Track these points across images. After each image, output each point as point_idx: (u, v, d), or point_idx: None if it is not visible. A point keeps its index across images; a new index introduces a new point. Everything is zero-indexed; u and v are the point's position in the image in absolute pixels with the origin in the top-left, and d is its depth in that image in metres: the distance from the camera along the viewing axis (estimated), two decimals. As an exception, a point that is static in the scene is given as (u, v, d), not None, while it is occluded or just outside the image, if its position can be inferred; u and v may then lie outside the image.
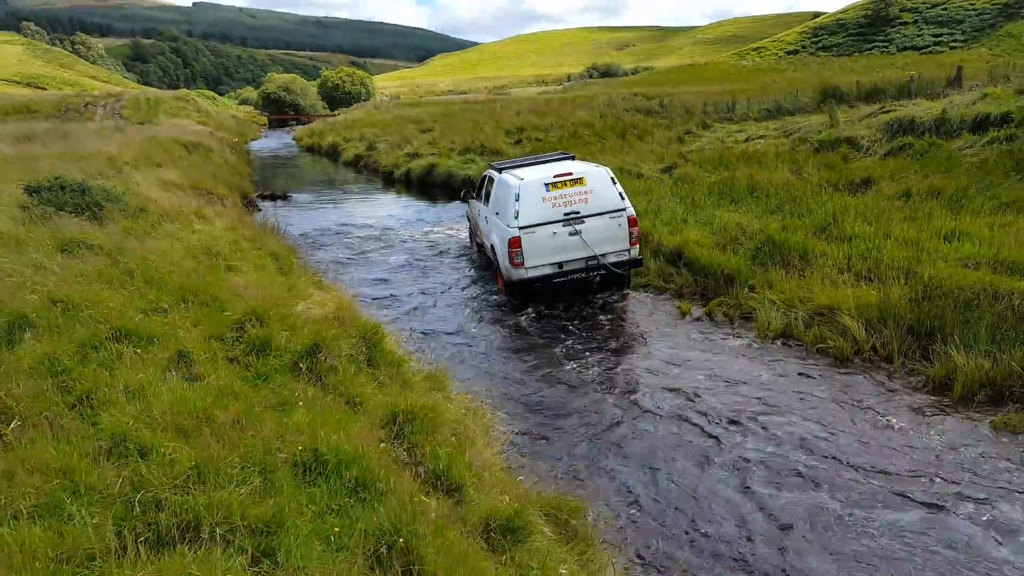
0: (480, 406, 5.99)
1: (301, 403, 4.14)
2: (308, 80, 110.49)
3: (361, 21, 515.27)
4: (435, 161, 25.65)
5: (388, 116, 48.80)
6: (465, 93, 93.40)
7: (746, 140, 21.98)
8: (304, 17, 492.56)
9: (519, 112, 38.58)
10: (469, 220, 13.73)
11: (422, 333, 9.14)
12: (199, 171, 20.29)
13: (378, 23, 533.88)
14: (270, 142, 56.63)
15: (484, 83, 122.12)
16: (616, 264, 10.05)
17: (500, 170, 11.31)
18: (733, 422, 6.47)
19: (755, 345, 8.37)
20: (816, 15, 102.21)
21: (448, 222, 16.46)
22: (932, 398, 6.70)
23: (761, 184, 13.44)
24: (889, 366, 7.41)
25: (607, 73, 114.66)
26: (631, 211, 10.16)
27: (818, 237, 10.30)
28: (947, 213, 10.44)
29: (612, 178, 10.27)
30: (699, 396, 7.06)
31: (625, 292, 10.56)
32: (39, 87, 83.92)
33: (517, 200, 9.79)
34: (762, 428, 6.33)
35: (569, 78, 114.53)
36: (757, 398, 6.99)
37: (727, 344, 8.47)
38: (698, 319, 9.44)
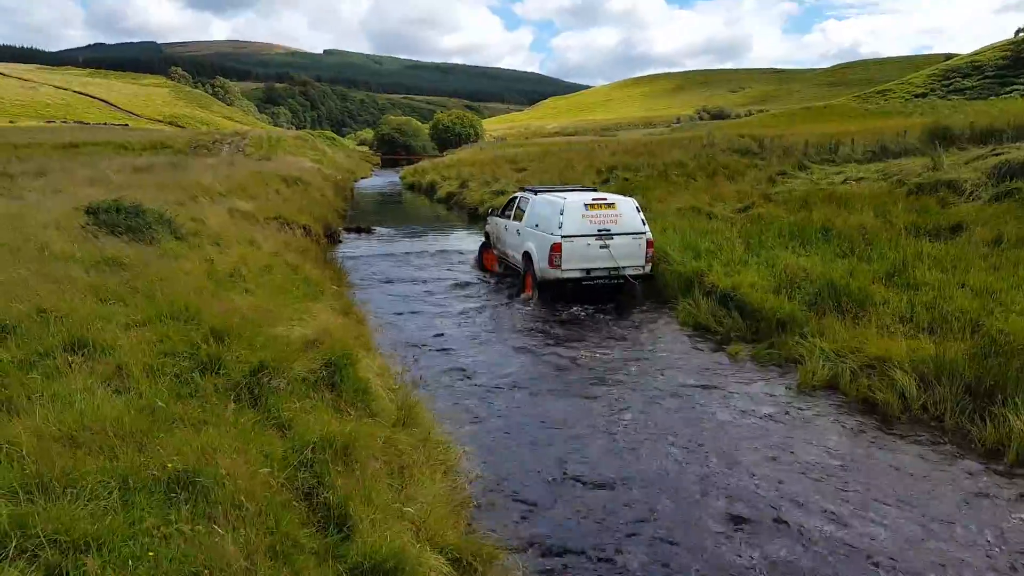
0: (446, 439, 5.68)
1: (215, 422, 4.04)
2: (423, 122, 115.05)
3: (477, 67, 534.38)
4: (518, 198, 25.79)
5: (488, 156, 49.84)
6: (571, 135, 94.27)
7: (843, 182, 20.76)
8: (424, 63, 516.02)
9: (614, 152, 38.39)
10: (488, 235, 15.67)
11: (429, 362, 8.85)
12: (287, 203, 21.16)
13: (493, 68, 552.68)
14: (378, 180, 59.01)
15: (592, 125, 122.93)
16: (633, 276, 11.93)
17: (536, 192, 13.45)
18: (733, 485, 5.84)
19: (793, 396, 7.67)
20: (949, 57, 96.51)
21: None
22: (980, 464, 5.83)
23: (837, 227, 12.53)
24: (939, 426, 6.57)
25: (718, 115, 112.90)
26: (649, 235, 12.12)
27: (884, 284, 9.43)
28: (1037, 262, 9.28)
29: (637, 207, 12.23)
30: (698, 453, 6.44)
31: (636, 295, 12.01)
32: (179, 125, 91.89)
33: (562, 214, 11.65)
34: (759, 485, 5.68)
35: (678, 120, 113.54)
36: (779, 450, 6.33)
37: (765, 393, 7.80)
38: (740, 364, 8.83)
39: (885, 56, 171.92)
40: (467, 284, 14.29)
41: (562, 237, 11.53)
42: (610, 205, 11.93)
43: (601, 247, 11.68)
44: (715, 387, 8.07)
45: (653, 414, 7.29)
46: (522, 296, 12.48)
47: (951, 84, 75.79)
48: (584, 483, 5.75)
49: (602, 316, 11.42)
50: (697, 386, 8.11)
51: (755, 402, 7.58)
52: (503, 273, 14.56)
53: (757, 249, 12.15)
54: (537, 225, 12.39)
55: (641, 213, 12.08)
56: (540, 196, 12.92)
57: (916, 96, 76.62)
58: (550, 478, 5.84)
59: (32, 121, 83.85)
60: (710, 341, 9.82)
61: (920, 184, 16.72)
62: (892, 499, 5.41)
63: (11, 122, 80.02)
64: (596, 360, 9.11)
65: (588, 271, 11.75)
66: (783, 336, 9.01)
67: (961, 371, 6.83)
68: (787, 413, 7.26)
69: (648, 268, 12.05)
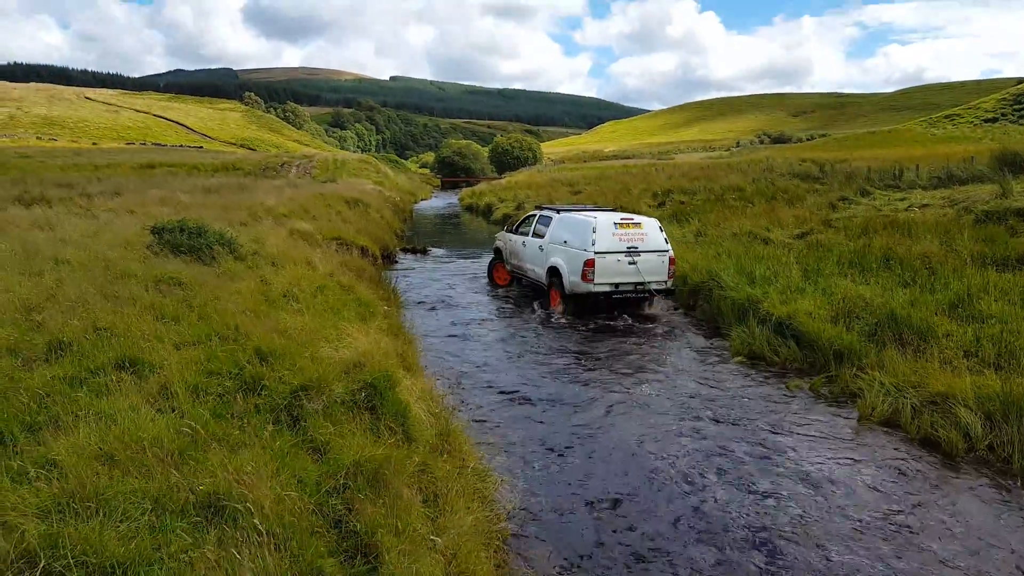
0: (485, 467, 5.62)
1: (252, 444, 4.09)
2: (483, 146, 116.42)
3: (537, 92, 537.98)
4: (571, 221, 25.82)
5: (545, 179, 50.06)
6: (628, 158, 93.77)
7: (907, 208, 20.06)
8: (486, 89, 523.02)
9: (670, 176, 38.10)
10: (500, 251, 16.37)
11: (474, 386, 8.81)
12: (347, 224, 21.60)
13: (553, 93, 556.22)
14: (437, 201, 59.82)
15: (650, 148, 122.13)
16: (657, 290, 12.92)
17: (558, 211, 14.29)
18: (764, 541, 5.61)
19: (852, 431, 7.36)
20: (1021, 81, 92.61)
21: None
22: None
23: (899, 255, 12.07)
24: (1006, 468, 6.21)
25: (779, 140, 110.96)
26: (671, 253, 13.05)
27: (947, 315, 9.02)
28: (1116, 296, 8.73)
29: (660, 227, 13.21)
30: (756, 496, 6.22)
31: (652, 305, 13.32)
32: (250, 148, 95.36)
33: (594, 232, 12.51)
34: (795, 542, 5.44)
35: (738, 143, 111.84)
36: (844, 498, 6.07)
37: (821, 428, 7.51)
38: (798, 397, 8.51)
39: (951, 80, 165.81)
40: (515, 304, 14.34)
41: (595, 253, 12.41)
42: (637, 224, 12.90)
43: (630, 263, 12.64)
44: (772, 421, 7.78)
45: (707, 453, 7.04)
46: (552, 310, 13.31)
47: (1023, 109, 72.59)
48: (631, 523, 5.49)
49: (651, 343, 11.25)
50: (753, 420, 7.84)
51: (815, 439, 7.28)
52: (527, 290, 15.22)
53: (815, 276, 11.80)
54: (566, 241, 13.23)
55: (664, 232, 13.11)
56: (565, 215, 13.84)
57: (986, 121, 73.54)
58: (593, 515, 5.64)
59: (113, 143, 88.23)
60: (765, 371, 9.54)
61: (988, 212, 16.04)
62: (962, 552, 5.11)
63: (94, 143, 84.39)
64: (648, 391, 8.91)
65: (616, 285, 12.69)
66: (841, 368, 8.71)
67: (1031, 410, 6.45)
68: (849, 452, 6.96)
69: (670, 283, 13.04)
